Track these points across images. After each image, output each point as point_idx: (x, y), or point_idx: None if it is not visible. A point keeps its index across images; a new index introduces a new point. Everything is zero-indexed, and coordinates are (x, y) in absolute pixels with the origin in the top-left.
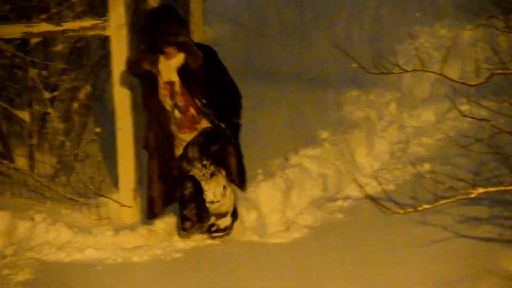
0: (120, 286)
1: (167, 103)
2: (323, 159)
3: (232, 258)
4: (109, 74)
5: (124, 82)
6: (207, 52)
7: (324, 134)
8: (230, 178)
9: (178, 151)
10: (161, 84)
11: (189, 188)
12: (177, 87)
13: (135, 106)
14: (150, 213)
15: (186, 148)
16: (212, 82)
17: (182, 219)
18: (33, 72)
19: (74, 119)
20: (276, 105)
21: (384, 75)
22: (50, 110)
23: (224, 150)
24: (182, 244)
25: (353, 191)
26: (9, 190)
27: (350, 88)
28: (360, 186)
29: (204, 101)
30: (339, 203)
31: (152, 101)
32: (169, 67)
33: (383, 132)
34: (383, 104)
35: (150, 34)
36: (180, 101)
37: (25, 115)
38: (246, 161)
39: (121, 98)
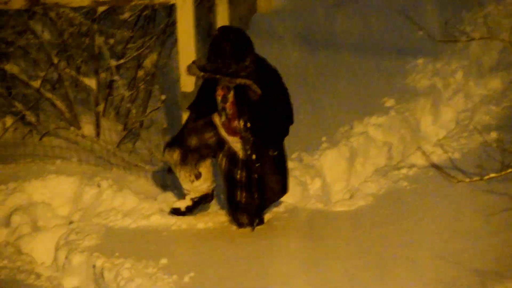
0: (185, 252)
1: (218, 103)
2: (388, 127)
3: (296, 226)
4: (174, 42)
5: (189, 50)
6: (270, 77)
7: (390, 102)
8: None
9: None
10: (219, 86)
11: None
12: (230, 96)
13: None
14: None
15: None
16: (267, 105)
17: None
18: (100, 40)
19: (139, 87)
20: (341, 73)
21: (451, 43)
22: (116, 77)
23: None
24: None
25: (418, 159)
26: (76, 157)
27: (416, 56)
28: (426, 154)
29: (248, 125)
30: (404, 171)
31: (206, 98)
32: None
33: (449, 100)
34: (449, 72)
35: (212, 65)
36: (229, 108)
37: (92, 82)
38: (311, 129)
39: (186, 66)
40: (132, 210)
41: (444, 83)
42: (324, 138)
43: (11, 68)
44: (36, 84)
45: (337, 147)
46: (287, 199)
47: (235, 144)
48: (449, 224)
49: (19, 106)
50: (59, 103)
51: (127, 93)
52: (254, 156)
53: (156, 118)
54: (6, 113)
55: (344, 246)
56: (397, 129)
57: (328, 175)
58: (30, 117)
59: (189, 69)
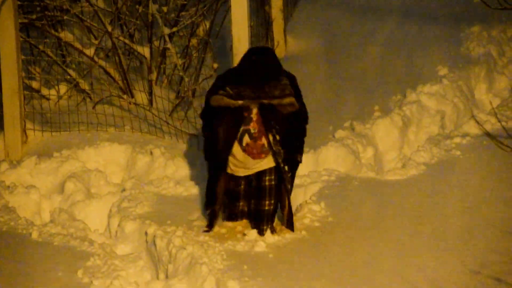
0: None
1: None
2: (442, 96)
3: (348, 195)
4: (227, 10)
5: (242, 19)
6: (295, 86)
7: (443, 71)
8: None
9: (237, 171)
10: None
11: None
12: (254, 115)
13: (252, 43)
14: (210, 227)
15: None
16: (296, 115)
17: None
18: (153, 8)
19: (192, 55)
20: (393, 41)
21: (506, 10)
22: (169, 45)
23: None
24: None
25: (472, 128)
26: (129, 125)
27: (471, 23)
28: (479, 123)
29: (278, 137)
30: (457, 140)
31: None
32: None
33: (504, 68)
34: (504, 40)
35: (256, 91)
36: (253, 128)
37: (145, 51)
38: (363, 98)
39: (239, 34)
40: (184, 178)
41: (499, 51)
42: (376, 107)
43: (65, 36)
44: (90, 52)
45: (390, 116)
46: (339, 168)
47: (259, 165)
48: (502, 193)
49: (73, 74)
50: (112, 71)
51: (179, 62)
52: (286, 168)
53: (208, 86)
54: (60, 81)
55: (396, 215)
56: (451, 97)
57: (380, 144)
58: (84, 85)
59: (218, 101)
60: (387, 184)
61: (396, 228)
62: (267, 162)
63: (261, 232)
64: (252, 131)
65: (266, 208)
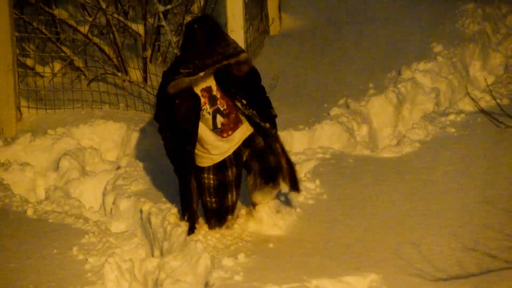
0: None
1: (206, 111)
2: (436, 73)
3: (343, 172)
4: None
5: None
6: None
7: (438, 48)
8: (282, 177)
9: (217, 158)
10: (199, 92)
11: (234, 196)
12: (215, 92)
13: (247, 20)
14: (192, 230)
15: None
16: (253, 74)
17: (221, 219)
18: None
19: None
20: (388, 18)
21: None
22: (163, 23)
23: (272, 149)
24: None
25: (466, 105)
26: (123, 102)
27: (466, 0)
28: (474, 100)
29: (244, 102)
30: (451, 117)
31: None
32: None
33: (499, 45)
34: (499, 17)
35: (211, 57)
36: (221, 105)
37: (139, 28)
38: (358, 75)
39: (233, 11)
40: None
41: (494, 28)
42: (371, 84)
43: (59, 13)
44: (84, 29)
45: (384, 93)
46: (334, 146)
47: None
48: (497, 170)
49: (67, 51)
50: (106, 49)
51: (174, 39)
52: (267, 125)
53: None
54: (55, 58)
55: (391, 192)
56: (445, 74)
57: (375, 121)
58: (78, 63)
59: (178, 84)
60: (382, 162)
61: (391, 205)
62: (244, 131)
63: (277, 184)
64: (221, 108)
65: (276, 164)
